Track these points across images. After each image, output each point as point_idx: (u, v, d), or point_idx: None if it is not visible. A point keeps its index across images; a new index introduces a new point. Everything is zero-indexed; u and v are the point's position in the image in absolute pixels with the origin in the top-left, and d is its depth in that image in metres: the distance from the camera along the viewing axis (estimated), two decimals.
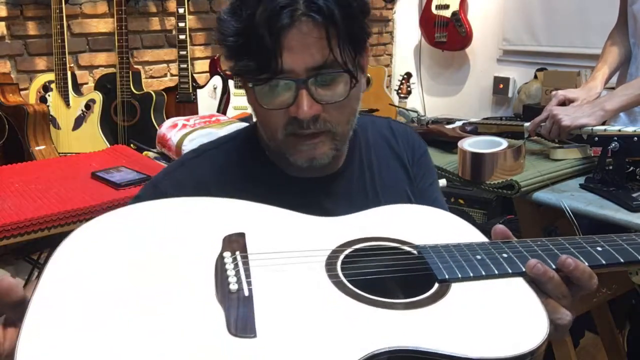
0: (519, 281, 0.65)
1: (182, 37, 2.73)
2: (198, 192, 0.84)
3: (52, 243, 2.64)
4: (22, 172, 1.80)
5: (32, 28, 2.61)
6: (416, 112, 2.40)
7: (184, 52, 2.74)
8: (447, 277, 0.64)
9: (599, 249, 0.68)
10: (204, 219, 0.73)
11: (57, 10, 2.46)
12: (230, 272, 0.63)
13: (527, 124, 1.58)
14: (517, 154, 1.42)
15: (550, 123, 1.49)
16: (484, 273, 0.65)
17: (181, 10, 2.71)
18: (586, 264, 0.65)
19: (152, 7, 2.92)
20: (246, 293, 0.61)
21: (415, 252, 0.70)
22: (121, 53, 2.65)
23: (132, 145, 2.25)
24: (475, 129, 1.77)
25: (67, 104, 2.55)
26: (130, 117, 2.68)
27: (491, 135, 1.55)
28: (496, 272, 0.65)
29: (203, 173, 0.88)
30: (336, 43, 0.73)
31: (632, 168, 1.36)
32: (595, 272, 0.66)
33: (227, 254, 0.66)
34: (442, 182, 1.52)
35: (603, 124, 1.47)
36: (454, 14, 3.41)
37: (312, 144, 0.77)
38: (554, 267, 0.65)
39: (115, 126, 2.69)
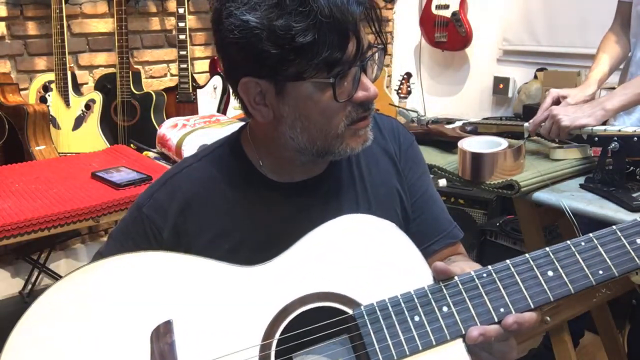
0: (457, 349, 0.63)
1: (182, 37, 2.73)
2: (181, 210, 0.85)
3: (52, 243, 2.65)
4: (22, 172, 1.80)
5: (32, 28, 2.61)
6: (416, 112, 2.39)
7: (184, 52, 2.74)
8: None
9: (550, 273, 0.64)
10: (131, 304, 0.68)
11: (57, 10, 2.46)
12: None
13: (527, 124, 1.58)
14: (517, 154, 1.42)
15: (550, 123, 1.48)
16: (421, 348, 0.63)
17: (181, 10, 2.71)
18: (532, 305, 0.64)
19: (152, 7, 2.92)
20: None
21: (351, 312, 0.67)
22: (121, 53, 2.65)
23: (132, 145, 2.25)
24: (475, 129, 1.77)
25: (67, 104, 2.55)
26: (130, 117, 2.68)
27: (491, 135, 1.55)
28: (434, 342, 0.63)
29: (185, 190, 0.87)
30: (377, 23, 0.77)
31: (632, 168, 1.36)
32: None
33: None
34: (442, 182, 1.52)
35: (604, 123, 1.47)
36: (454, 14, 3.40)
37: (367, 126, 0.81)
38: (496, 319, 0.64)
39: (115, 126, 2.69)
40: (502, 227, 2.73)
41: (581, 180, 1.41)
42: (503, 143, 1.43)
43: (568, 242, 0.66)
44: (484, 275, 0.66)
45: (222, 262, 0.73)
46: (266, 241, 0.83)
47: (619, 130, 1.36)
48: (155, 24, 2.95)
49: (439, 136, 1.71)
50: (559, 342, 1.62)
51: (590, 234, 0.66)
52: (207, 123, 1.96)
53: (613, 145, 1.33)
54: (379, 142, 0.94)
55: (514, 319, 0.64)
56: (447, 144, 1.68)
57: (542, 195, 1.36)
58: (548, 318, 1.60)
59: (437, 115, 2.28)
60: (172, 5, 2.90)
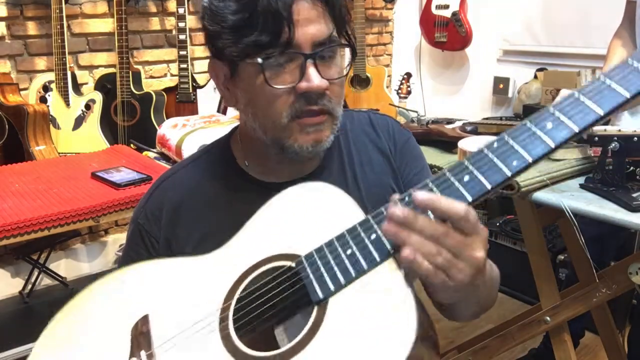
0: (390, 272, 0.63)
1: (182, 37, 2.73)
2: (170, 217, 0.87)
3: (52, 243, 2.65)
4: (22, 172, 1.80)
5: (32, 28, 2.61)
6: (416, 112, 2.40)
7: (184, 52, 2.74)
8: (321, 297, 0.65)
9: (466, 178, 0.62)
10: (111, 315, 0.77)
11: (57, 10, 2.46)
12: None
13: None
14: None
15: None
16: (354, 275, 0.64)
17: (181, 10, 2.71)
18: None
19: (152, 7, 2.92)
20: None
21: (293, 264, 0.70)
22: (121, 53, 2.65)
23: (132, 145, 2.25)
24: (475, 129, 1.77)
25: (67, 104, 2.55)
26: (130, 117, 2.68)
27: (491, 135, 1.55)
28: (366, 267, 0.64)
29: (172, 196, 0.88)
30: (337, 18, 0.76)
31: (632, 168, 1.36)
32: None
33: None
34: None
35: (605, 123, 1.47)
36: (454, 14, 3.40)
37: (317, 124, 0.78)
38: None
39: (115, 126, 2.69)
40: (502, 227, 2.73)
41: (581, 180, 1.41)
42: None
43: (484, 148, 0.64)
44: (405, 197, 0.65)
45: (185, 256, 0.79)
46: None
47: (619, 130, 1.36)
48: (155, 24, 2.95)
49: (439, 136, 1.72)
50: (559, 342, 1.62)
51: (505, 134, 0.64)
52: (207, 123, 1.96)
53: (613, 145, 1.32)
54: (372, 140, 0.93)
55: (421, 193, 0.61)
56: (447, 144, 1.68)
57: (542, 195, 1.36)
58: (548, 318, 1.60)
59: (437, 115, 2.28)
60: (172, 5, 2.90)
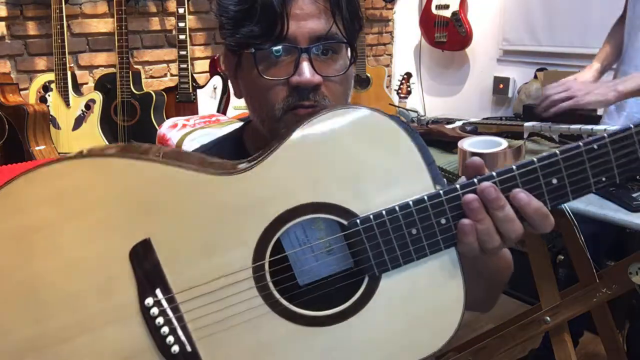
0: (449, 256, 0.65)
1: (182, 37, 2.73)
2: None
3: None
4: (22, 172, 1.80)
5: (32, 28, 2.61)
6: (416, 112, 2.40)
7: (184, 52, 2.74)
8: (377, 273, 0.65)
9: (555, 181, 0.64)
10: (100, 220, 0.62)
11: (57, 10, 2.46)
12: (170, 339, 0.64)
13: (527, 124, 1.58)
14: (517, 154, 1.42)
15: (563, 89, 1.50)
16: (415, 259, 0.64)
17: (181, 10, 2.71)
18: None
19: (152, 7, 2.92)
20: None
21: (345, 223, 0.64)
22: (121, 53, 2.65)
23: None
24: (475, 129, 1.77)
25: (67, 104, 2.55)
26: (130, 117, 2.68)
27: (491, 135, 1.55)
28: (428, 254, 0.64)
29: None
30: (340, 15, 0.75)
31: None
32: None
33: (149, 301, 0.63)
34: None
35: (595, 122, 1.48)
36: (454, 14, 3.40)
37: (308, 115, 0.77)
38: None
39: (115, 126, 2.69)
40: None
41: None
42: (503, 143, 1.43)
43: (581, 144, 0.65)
44: (492, 177, 0.64)
45: (197, 172, 0.65)
46: None
47: (605, 130, 1.36)
48: (155, 24, 2.95)
49: (439, 136, 1.72)
50: (559, 342, 1.62)
51: (605, 135, 0.64)
52: (207, 123, 1.96)
53: None
54: None
55: (521, 191, 0.63)
56: (447, 144, 1.68)
57: None
58: (548, 318, 1.60)
59: (437, 115, 2.28)
60: (172, 5, 2.90)
